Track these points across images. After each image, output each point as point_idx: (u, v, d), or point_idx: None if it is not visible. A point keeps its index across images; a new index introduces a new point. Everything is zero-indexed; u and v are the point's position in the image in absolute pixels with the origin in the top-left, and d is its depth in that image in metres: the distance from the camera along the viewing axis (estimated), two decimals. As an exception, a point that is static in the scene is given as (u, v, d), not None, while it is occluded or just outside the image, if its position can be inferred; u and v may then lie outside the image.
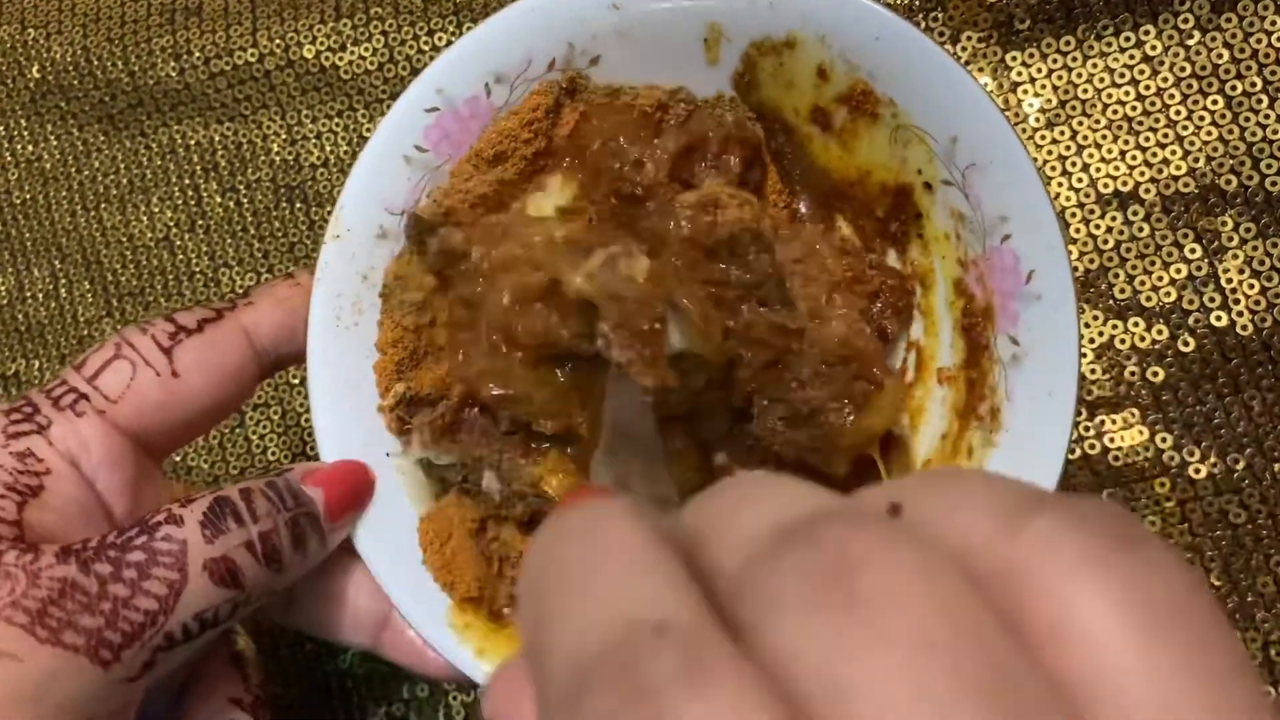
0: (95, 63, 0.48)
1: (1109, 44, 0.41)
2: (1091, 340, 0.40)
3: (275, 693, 0.44)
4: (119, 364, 0.32)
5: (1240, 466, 0.39)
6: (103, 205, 0.48)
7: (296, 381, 0.46)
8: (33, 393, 0.32)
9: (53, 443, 0.31)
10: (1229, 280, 0.40)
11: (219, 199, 0.47)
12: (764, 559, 0.14)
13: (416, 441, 0.35)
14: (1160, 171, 0.40)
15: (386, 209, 0.36)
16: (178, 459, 0.46)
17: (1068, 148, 0.41)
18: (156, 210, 0.47)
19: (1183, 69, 0.40)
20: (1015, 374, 0.34)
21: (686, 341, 0.31)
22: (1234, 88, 0.40)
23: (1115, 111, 0.41)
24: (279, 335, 0.35)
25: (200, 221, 0.47)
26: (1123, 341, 0.40)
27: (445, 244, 0.35)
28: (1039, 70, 0.41)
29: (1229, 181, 0.40)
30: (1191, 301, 0.40)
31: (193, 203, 0.47)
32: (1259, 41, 0.40)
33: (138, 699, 0.30)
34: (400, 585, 0.35)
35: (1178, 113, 0.40)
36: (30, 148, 0.49)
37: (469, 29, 0.45)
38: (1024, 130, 0.41)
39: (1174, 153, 0.40)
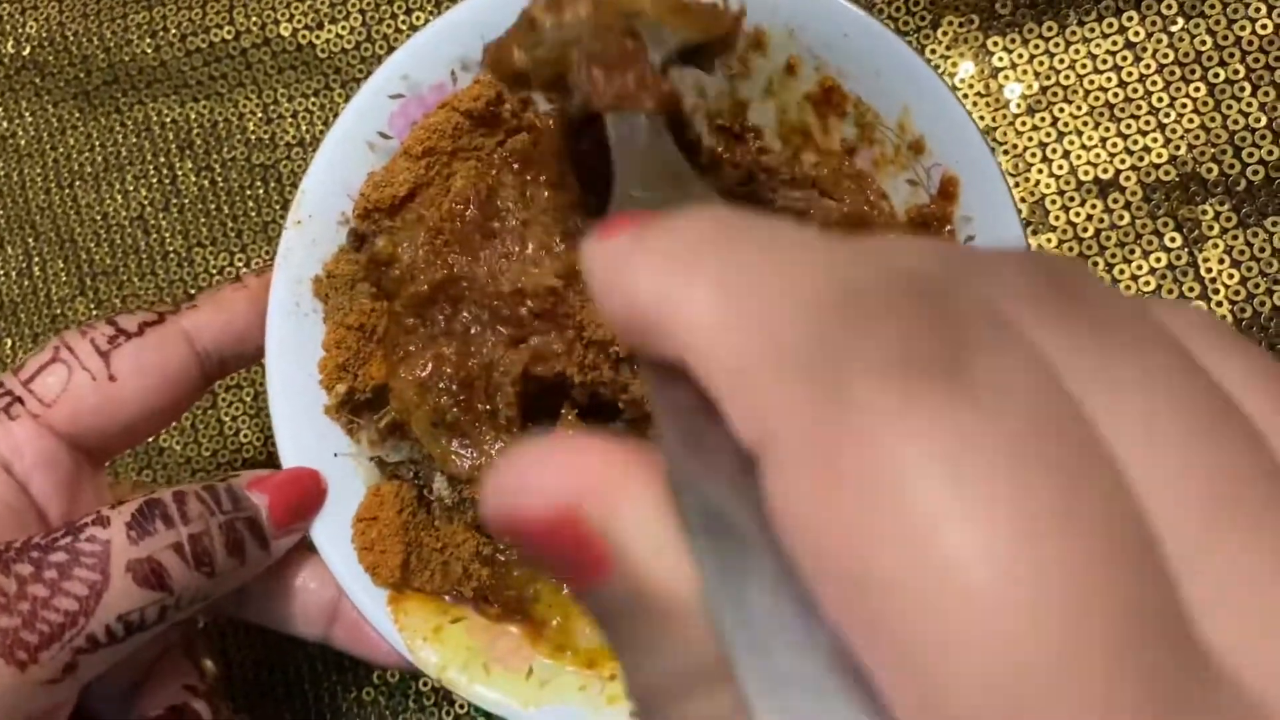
0: (70, 39, 0.47)
1: (1091, 30, 0.40)
2: (1070, 329, 0.40)
3: (246, 678, 0.44)
4: (55, 367, 0.32)
5: (1217, 457, 0.39)
6: (77, 183, 0.47)
7: (270, 363, 0.46)
8: None
9: None
10: (1209, 270, 0.39)
11: (194, 178, 0.46)
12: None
13: (365, 439, 0.35)
14: (1141, 159, 0.40)
15: (349, 195, 0.35)
16: (150, 440, 0.46)
17: (1048, 134, 0.40)
18: (131, 188, 0.47)
19: (1165, 55, 0.40)
20: None
21: (677, 36, 0.29)
22: (1216, 75, 0.39)
23: (1097, 98, 0.40)
24: (222, 338, 0.34)
25: (175, 200, 0.47)
26: (1101, 330, 0.40)
27: (371, 250, 0.35)
28: (1020, 56, 0.41)
29: (1210, 170, 0.39)
30: (1171, 291, 0.39)
31: (167, 181, 0.47)
32: (1242, 28, 0.39)
33: (65, 703, 0.29)
34: (350, 572, 0.35)
35: (1160, 100, 0.40)
36: (4, 125, 0.48)
37: (447, 8, 0.44)
38: (1004, 116, 0.41)
39: (1155, 140, 0.40)
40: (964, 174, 0.33)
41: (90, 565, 0.28)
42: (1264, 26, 0.39)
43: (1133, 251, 0.40)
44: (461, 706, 0.43)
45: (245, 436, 0.46)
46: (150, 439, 0.46)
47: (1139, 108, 0.40)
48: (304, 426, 0.35)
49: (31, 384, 0.32)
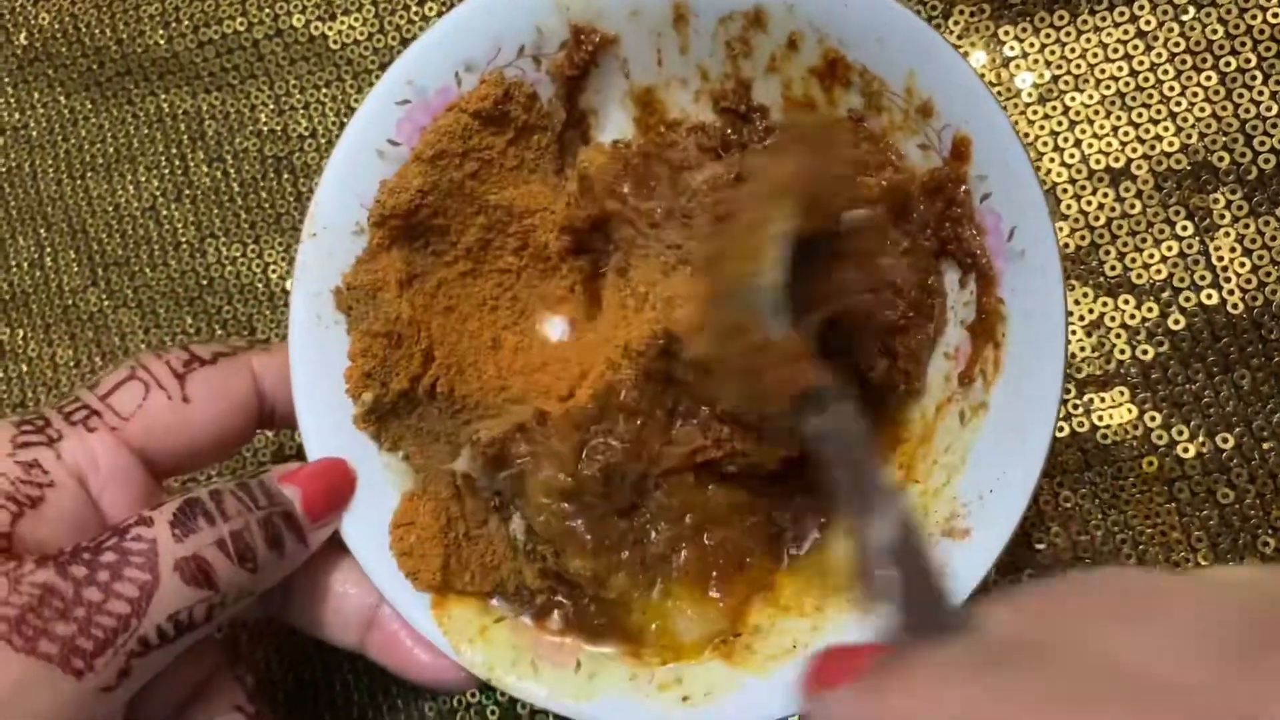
0: (83, 30, 0.47)
1: (1103, 18, 0.40)
2: (1081, 318, 0.40)
3: (286, 690, 0.44)
4: (132, 385, 0.33)
5: (1229, 446, 0.39)
6: (89, 174, 0.48)
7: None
8: (45, 408, 0.32)
9: (61, 456, 0.31)
10: (1220, 258, 0.39)
11: (206, 169, 0.47)
12: None
13: (465, 456, 0.35)
14: (1153, 148, 0.40)
15: (362, 205, 0.35)
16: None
17: (1060, 123, 0.41)
18: (143, 179, 0.47)
19: (1177, 44, 0.40)
20: (1003, 333, 0.33)
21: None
22: (1228, 64, 0.40)
23: (1108, 87, 0.40)
24: (280, 385, 0.35)
25: (187, 191, 0.47)
26: (1113, 319, 0.40)
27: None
28: (1032, 45, 0.41)
29: (1221, 158, 0.39)
30: (1182, 279, 0.40)
31: (179, 172, 0.47)
32: (1254, 17, 0.39)
33: (119, 712, 0.29)
34: (386, 575, 0.35)
35: (1171, 89, 0.40)
36: (17, 115, 0.48)
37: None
38: (1016, 105, 0.41)
39: (1167, 129, 0.40)
40: (975, 133, 0.32)
41: (139, 565, 0.28)
42: (1275, 15, 0.39)
43: (1144, 240, 0.40)
44: None
45: (265, 442, 0.46)
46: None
47: (1150, 96, 0.40)
48: (332, 438, 0.35)
49: (109, 399, 0.32)
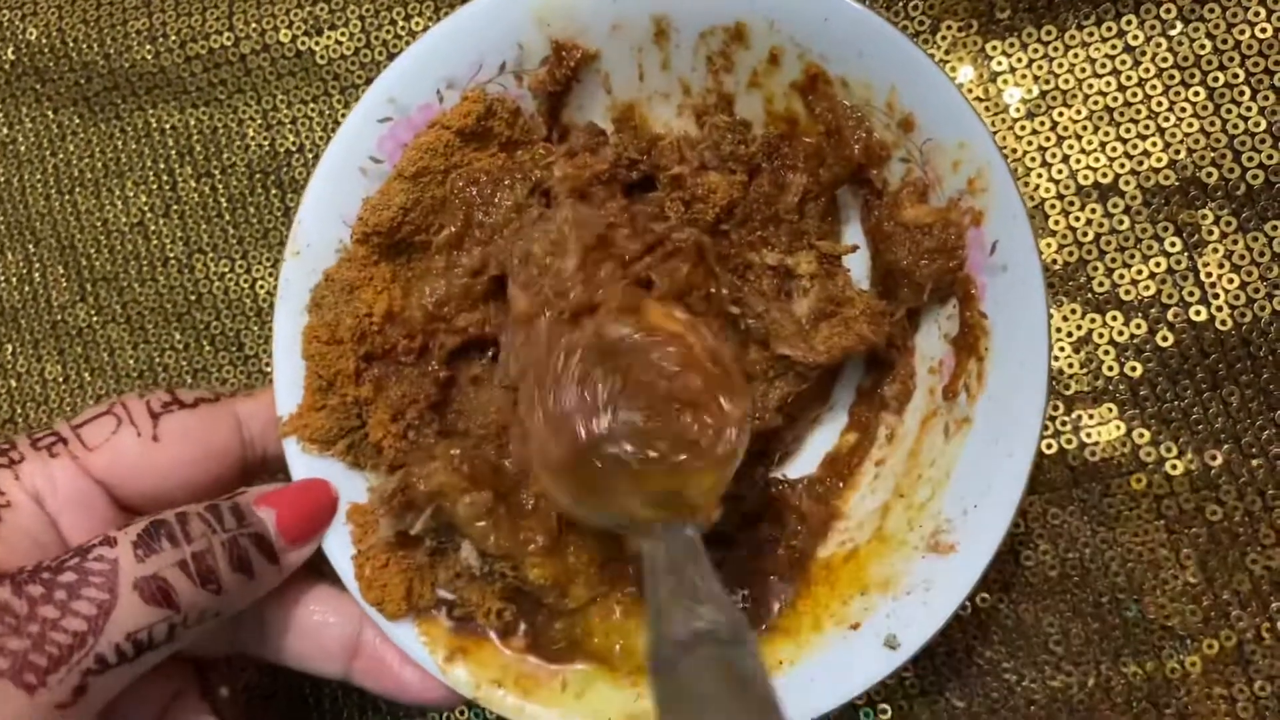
0: (70, 45, 0.47)
1: (1090, 33, 0.40)
2: (1069, 334, 0.40)
3: (276, 694, 0.44)
4: (106, 419, 0.33)
5: (1217, 463, 0.39)
6: (77, 189, 0.48)
7: (269, 368, 0.46)
8: (18, 435, 0.33)
9: (20, 477, 0.31)
10: (1208, 274, 0.39)
11: (194, 184, 0.46)
12: None
13: (384, 523, 0.35)
14: (1141, 163, 0.40)
15: (345, 222, 0.35)
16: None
17: (1048, 138, 0.40)
18: (131, 194, 0.47)
19: (1165, 59, 0.40)
20: (986, 347, 0.33)
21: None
22: (1216, 79, 0.39)
23: (1096, 102, 0.40)
24: (269, 429, 0.35)
25: (175, 206, 0.47)
26: (1101, 335, 0.40)
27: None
28: (1019, 60, 0.41)
29: (1210, 174, 0.39)
30: (1171, 296, 0.39)
31: (167, 187, 0.47)
32: (1242, 32, 0.39)
33: None
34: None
35: (1159, 104, 0.40)
36: (5, 130, 0.48)
37: (445, 13, 0.44)
38: (1004, 120, 0.41)
39: (1155, 144, 0.40)
40: (956, 147, 0.33)
41: (99, 584, 0.28)
42: (1263, 30, 0.39)
43: (1132, 256, 0.40)
44: None
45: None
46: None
47: (1138, 112, 0.40)
48: (316, 459, 0.35)
49: (80, 430, 0.33)
